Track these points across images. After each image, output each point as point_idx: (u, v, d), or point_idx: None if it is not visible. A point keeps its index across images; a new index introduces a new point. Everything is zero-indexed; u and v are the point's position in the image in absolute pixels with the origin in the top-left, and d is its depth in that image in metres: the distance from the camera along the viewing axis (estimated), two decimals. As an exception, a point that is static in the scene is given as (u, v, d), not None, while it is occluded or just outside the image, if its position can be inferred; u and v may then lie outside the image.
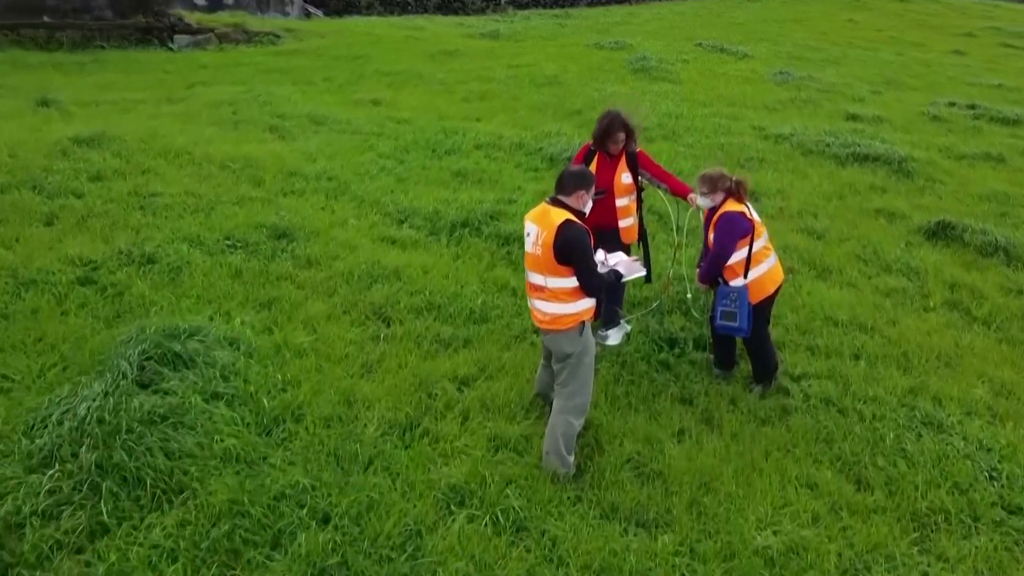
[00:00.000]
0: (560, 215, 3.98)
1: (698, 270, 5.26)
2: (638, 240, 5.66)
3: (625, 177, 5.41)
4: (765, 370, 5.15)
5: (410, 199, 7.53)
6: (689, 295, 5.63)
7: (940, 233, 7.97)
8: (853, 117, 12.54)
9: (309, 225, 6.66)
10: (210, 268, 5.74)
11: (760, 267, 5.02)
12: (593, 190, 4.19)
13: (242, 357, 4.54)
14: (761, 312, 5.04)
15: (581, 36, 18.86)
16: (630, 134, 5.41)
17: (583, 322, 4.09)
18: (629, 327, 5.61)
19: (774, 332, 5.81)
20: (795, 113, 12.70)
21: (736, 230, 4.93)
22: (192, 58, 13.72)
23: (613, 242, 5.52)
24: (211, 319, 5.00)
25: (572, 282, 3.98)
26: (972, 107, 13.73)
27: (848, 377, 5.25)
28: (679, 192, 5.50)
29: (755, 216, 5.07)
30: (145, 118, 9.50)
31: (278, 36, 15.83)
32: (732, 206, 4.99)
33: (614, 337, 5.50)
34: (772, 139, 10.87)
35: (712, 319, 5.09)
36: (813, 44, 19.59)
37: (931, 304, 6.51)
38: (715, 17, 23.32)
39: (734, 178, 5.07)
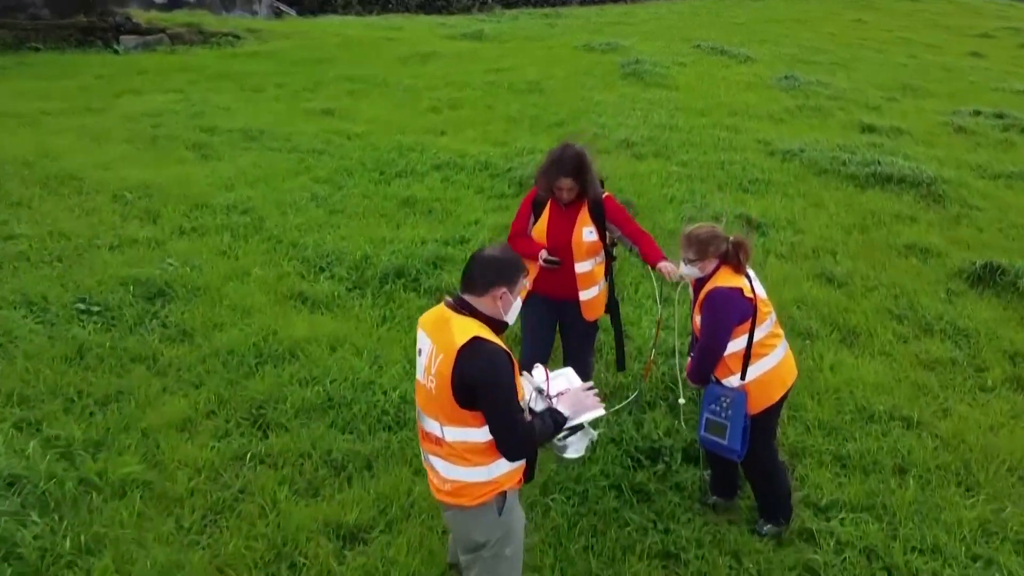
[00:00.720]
0: (465, 329, 2.50)
1: (689, 360, 3.80)
2: (606, 312, 4.20)
3: (588, 233, 3.95)
4: (776, 503, 3.68)
5: (338, 239, 6.07)
6: (681, 399, 4.12)
7: (987, 278, 6.50)
8: (869, 128, 11.05)
9: (197, 279, 5.20)
10: (41, 348, 4.29)
11: (764, 362, 3.56)
12: (521, 281, 2.73)
13: (19, 507, 3.09)
14: (764, 424, 3.58)
15: (571, 37, 17.38)
16: (585, 176, 3.88)
17: (504, 494, 2.63)
18: (595, 433, 4.15)
19: (790, 431, 4.35)
20: (804, 124, 11.22)
21: (731, 312, 3.48)
22: (134, 62, 12.26)
23: (572, 319, 4.07)
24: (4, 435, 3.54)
25: (483, 434, 2.53)
26: (1000, 116, 12.24)
27: (895, 508, 3.79)
28: (651, 259, 4.03)
29: (758, 290, 3.61)
30: (46, 133, 8.05)
31: (238, 37, 14.37)
32: (726, 279, 3.53)
33: (575, 447, 4.04)
34: (779, 156, 9.39)
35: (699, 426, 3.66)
36: (820, 45, 18.10)
37: (989, 382, 5.04)
38: (715, 17, 21.83)
39: (731, 239, 3.61)
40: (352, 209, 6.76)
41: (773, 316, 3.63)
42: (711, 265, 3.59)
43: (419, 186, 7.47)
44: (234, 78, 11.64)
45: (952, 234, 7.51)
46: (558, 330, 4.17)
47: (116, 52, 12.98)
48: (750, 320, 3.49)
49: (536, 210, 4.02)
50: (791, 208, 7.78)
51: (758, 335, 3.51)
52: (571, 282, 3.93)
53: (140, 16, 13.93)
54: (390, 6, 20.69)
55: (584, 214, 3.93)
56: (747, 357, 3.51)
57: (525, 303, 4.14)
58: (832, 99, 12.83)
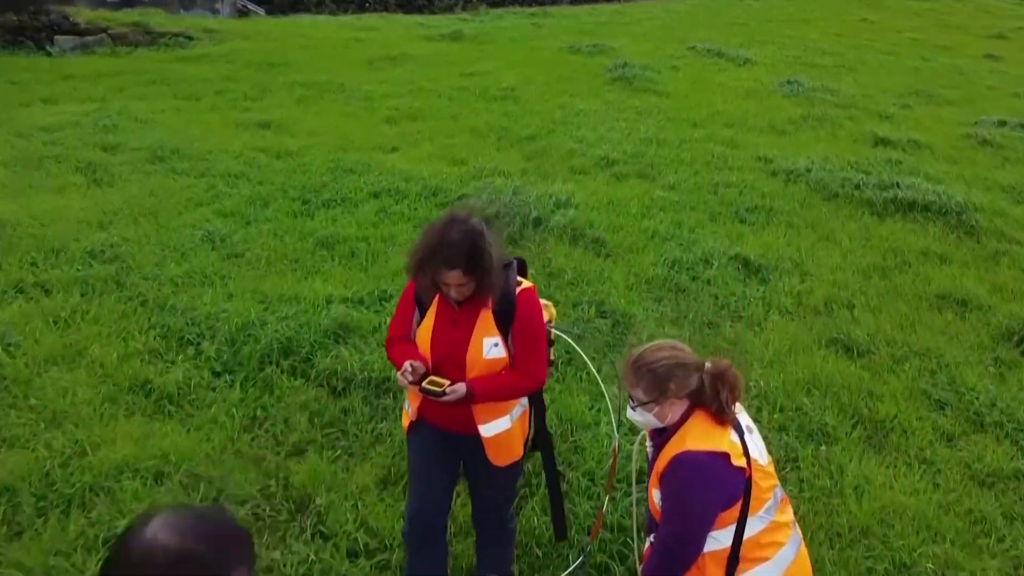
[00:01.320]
0: None
1: (646, 553, 2.42)
2: (529, 452, 2.83)
3: (491, 347, 2.56)
4: None
5: (222, 298, 4.71)
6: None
7: (1044, 343, 5.15)
8: (883, 141, 9.68)
9: (5, 366, 3.85)
10: None
11: (762, 572, 2.19)
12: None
13: None
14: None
15: (557, 38, 16.01)
16: (481, 267, 2.44)
17: None
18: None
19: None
20: (810, 136, 9.85)
21: (709, 490, 2.12)
22: (62, 65, 10.92)
23: (475, 465, 2.72)
24: None
25: None
26: (1028, 127, 10.89)
27: None
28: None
29: (754, 451, 2.23)
30: (-90, 154, 6.71)
31: (190, 38, 13.02)
32: (701, 435, 2.17)
33: None
34: (782, 176, 8.02)
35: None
36: (825, 47, 16.71)
37: (1070, 511, 3.69)
38: (712, 16, 20.43)
39: (707, 368, 2.26)
40: (254, 253, 5.40)
41: (778, 493, 2.26)
42: (677, 409, 2.24)
43: (347, 220, 6.11)
44: (171, 84, 10.28)
45: (992, 278, 6.13)
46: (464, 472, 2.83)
47: (48, 54, 11.63)
48: (740, 502, 2.14)
49: (421, 304, 2.66)
50: (797, 244, 6.41)
51: (753, 528, 2.15)
52: (467, 411, 2.57)
53: (82, 15, 12.57)
54: (367, 5, 19.32)
55: (486, 319, 2.56)
56: (734, 558, 2.16)
57: (410, 435, 2.82)
58: (840, 107, 11.46)
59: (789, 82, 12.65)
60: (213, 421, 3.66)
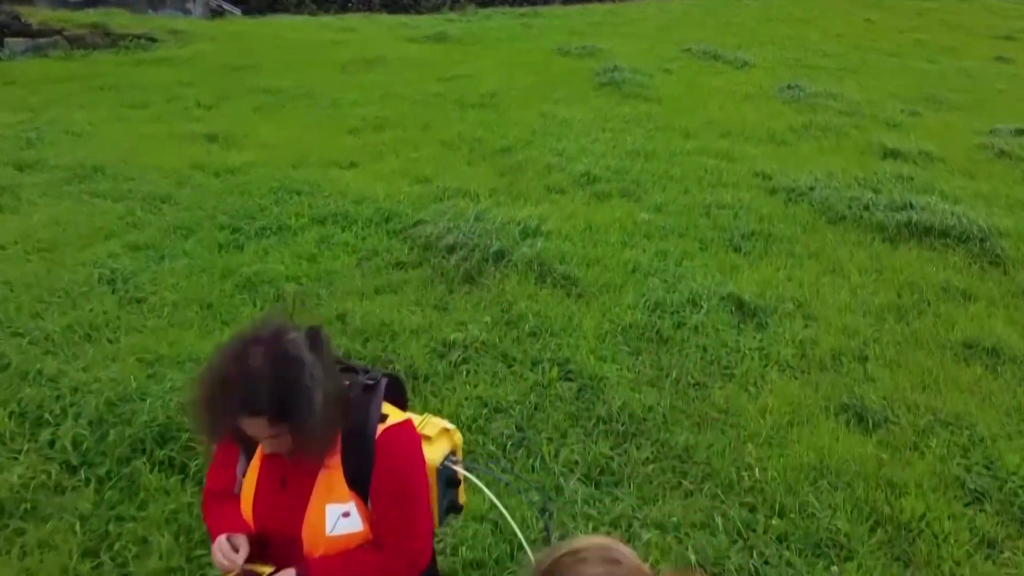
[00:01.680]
0: None
1: None
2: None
3: (340, 520, 1.69)
4: None
5: (103, 360, 3.85)
6: None
7: (1095, 407, 4.28)
8: (892, 153, 8.80)
9: None
10: None
11: None
12: None
13: None
14: None
15: (546, 39, 15.14)
16: (299, 408, 1.56)
17: None
18: None
19: None
20: (813, 147, 8.97)
21: None
22: (6, 70, 10.04)
23: None
24: None
25: None
26: (1047, 136, 10.01)
27: None
28: None
29: None
30: None
31: (154, 40, 12.15)
32: None
33: None
34: (782, 195, 7.16)
35: None
36: (826, 48, 15.82)
37: None
38: (709, 16, 19.53)
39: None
40: (160, 297, 4.54)
41: None
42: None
43: (280, 252, 5.25)
44: (120, 90, 9.42)
45: (1025, 319, 5.27)
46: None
47: (-3, 58, 10.78)
48: None
49: (247, 445, 1.79)
50: (799, 278, 5.54)
51: None
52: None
53: (37, 15, 11.70)
54: (350, 5, 18.44)
55: (329, 478, 1.69)
56: None
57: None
58: (845, 114, 10.58)
59: (789, 86, 11.78)
60: (47, 543, 2.80)
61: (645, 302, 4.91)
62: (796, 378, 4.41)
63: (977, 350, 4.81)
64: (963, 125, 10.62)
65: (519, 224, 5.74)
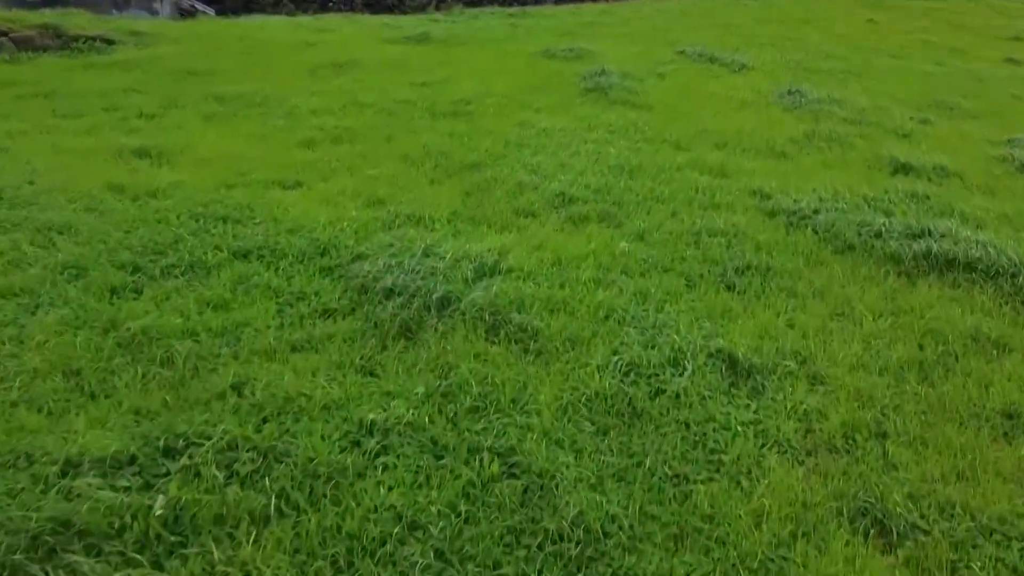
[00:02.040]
0: None
1: None
2: None
3: None
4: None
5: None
6: None
7: None
8: (903, 168, 7.92)
9: None
10: None
11: None
12: None
13: None
14: None
15: (533, 41, 14.26)
16: None
17: None
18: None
19: None
20: (816, 160, 8.09)
21: None
22: (-63, 76, 9.19)
23: None
24: None
25: None
26: (1070, 147, 9.13)
27: None
28: None
29: None
30: None
31: (111, 42, 11.28)
32: None
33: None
34: (783, 219, 6.28)
35: None
36: (829, 50, 14.92)
37: None
38: (706, 16, 18.63)
39: None
40: (16, 365, 3.66)
41: None
42: None
43: (185, 299, 4.38)
44: (57, 98, 8.54)
45: (1073, 379, 4.39)
46: None
47: (-66, 62, 9.91)
48: None
49: None
50: (803, 325, 4.66)
51: None
52: None
53: (-16, 16, 10.83)
54: (331, 5, 17.56)
55: None
56: None
57: None
58: (850, 122, 9.71)
59: (790, 92, 10.91)
60: None
61: (617, 362, 4.03)
62: (800, 463, 3.54)
63: (1020, 421, 3.93)
64: (977, 134, 9.74)
65: (475, 260, 4.86)
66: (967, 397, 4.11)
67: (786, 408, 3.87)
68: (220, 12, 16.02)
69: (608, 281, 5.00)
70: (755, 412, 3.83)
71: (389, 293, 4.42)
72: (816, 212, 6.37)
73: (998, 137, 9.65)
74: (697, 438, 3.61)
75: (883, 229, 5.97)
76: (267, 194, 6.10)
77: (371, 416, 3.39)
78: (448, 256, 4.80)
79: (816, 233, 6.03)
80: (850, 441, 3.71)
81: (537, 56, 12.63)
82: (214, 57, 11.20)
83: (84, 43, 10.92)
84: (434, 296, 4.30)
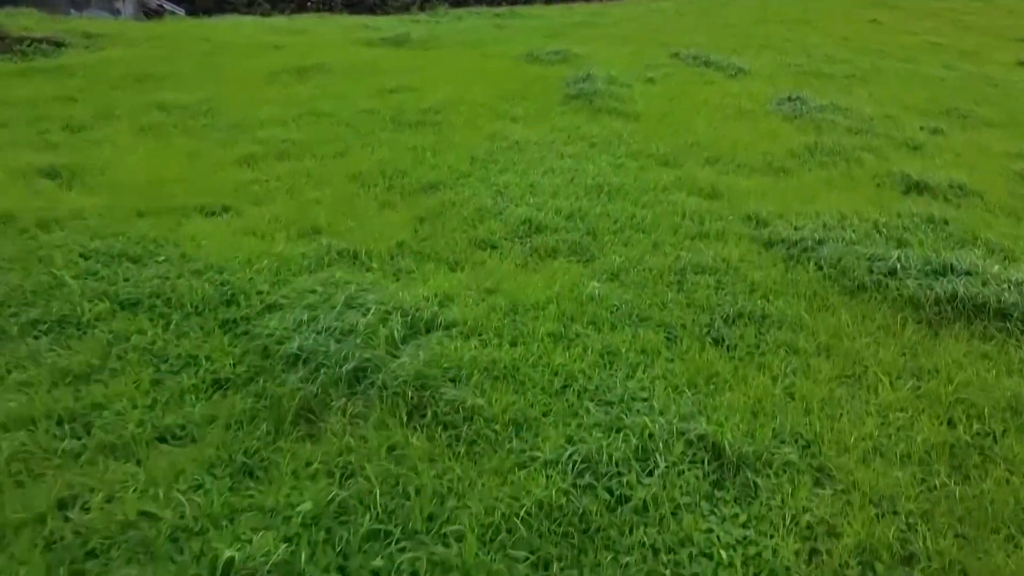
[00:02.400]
0: None
1: None
2: None
3: None
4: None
5: None
6: None
7: None
8: (917, 187, 7.05)
9: None
10: None
11: None
12: None
13: None
14: None
15: (518, 43, 13.40)
16: None
17: None
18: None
19: None
20: (819, 178, 7.22)
21: None
22: None
23: None
24: None
25: None
26: (1099, 161, 8.26)
27: None
28: None
29: None
30: None
31: (61, 44, 10.44)
32: None
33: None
34: (781, 251, 5.41)
35: None
36: (831, 52, 14.05)
37: None
38: (702, 16, 17.76)
39: None
40: None
41: None
42: None
43: (37, 370, 3.51)
44: (-22, 108, 7.70)
45: None
46: None
47: None
48: None
49: None
50: (806, 397, 3.79)
51: None
52: None
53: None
54: (309, 5, 16.70)
55: None
56: None
57: None
58: (855, 132, 8.84)
59: (790, 98, 10.04)
60: None
61: (571, 456, 3.17)
62: (800, 607, 2.67)
63: (1082, 536, 3.07)
64: (996, 146, 8.87)
65: (409, 312, 4.00)
66: (1013, 498, 3.23)
67: (785, 520, 3.01)
68: (191, 12, 15.18)
69: (571, 336, 4.13)
70: (744, 526, 2.97)
71: (294, 360, 3.56)
72: (820, 243, 5.49)
73: (1017, 148, 8.78)
74: (663, 568, 2.74)
75: (898, 265, 5.10)
76: (183, 224, 5.24)
77: (229, 553, 2.52)
78: (375, 308, 3.93)
79: (820, 269, 5.16)
80: (866, 569, 2.84)
81: (520, 59, 11.77)
82: (169, 61, 10.34)
83: (29, 46, 10.07)
84: (345, 367, 3.43)
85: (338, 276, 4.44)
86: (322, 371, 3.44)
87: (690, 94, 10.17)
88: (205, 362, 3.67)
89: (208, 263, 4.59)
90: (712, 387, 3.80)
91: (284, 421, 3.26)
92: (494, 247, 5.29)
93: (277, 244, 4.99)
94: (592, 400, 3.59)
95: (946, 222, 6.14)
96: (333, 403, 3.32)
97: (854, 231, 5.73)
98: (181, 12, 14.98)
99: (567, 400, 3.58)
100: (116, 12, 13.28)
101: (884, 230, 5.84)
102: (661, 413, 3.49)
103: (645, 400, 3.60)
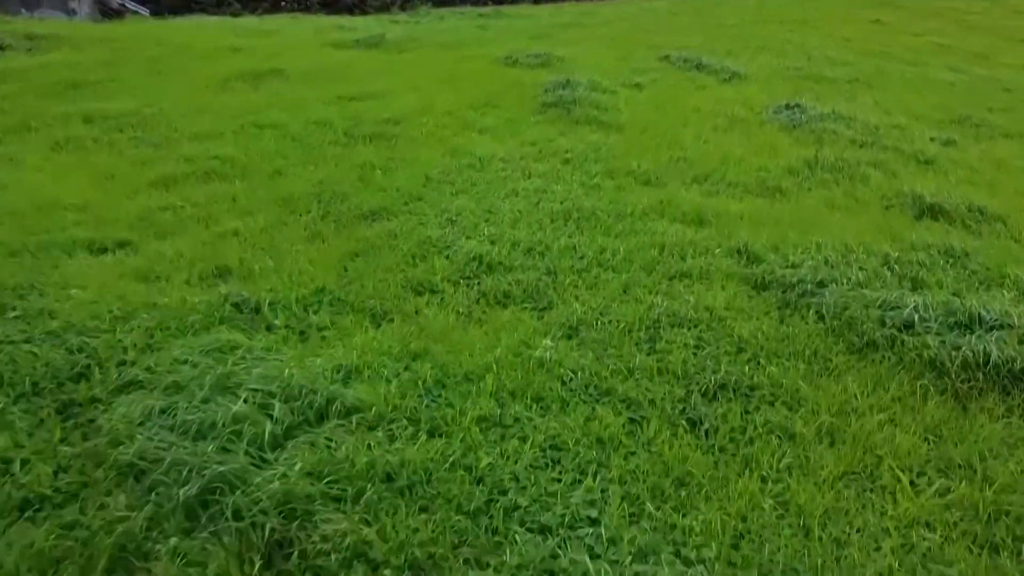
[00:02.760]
0: None
1: None
2: None
3: None
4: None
5: None
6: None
7: None
8: (931, 211, 6.16)
9: None
10: None
11: None
12: None
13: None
14: None
15: (499, 45, 12.51)
16: None
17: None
18: None
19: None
20: (820, 200, 6.34)
21: None
22: None
23: None
24: None
25: None
26: None
27: None
28: None
29: None
30: None
31: (0, 48, 9.53)
32: None
33: None
34: (776, 295, 4.52)
35: None
36: (832, 55, 13.15)
37: None
38: (696, 16, 16.86)
39: None
40: None
41: None
42: None
43: None
44: None
45: None
46: None
47: None
48: None
49: None
50: (805, 509, 2.90)
51: None
52: None
53: None
54: (284, 4, 15.81)
55: None
56: None
57: None
58: (860, 145, 7.95)
59: (788, 106, 9.15)
60: None
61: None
62: None
63: None
64: (1016, 161, 7.98)
65: (300, 395, 3.12)
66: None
67: None
68: (156, 12, 14.30)
69: (507, 423, 3.25)
70: None
71: (127, 472, 2.67)
72: (821, 285, 4.61)
73: (1039, 163, 7.89)
74: None
75: (915, 315, 4.21)
76: (61, 265, 4.36)
77: None
78: (252, 392, 3.05)
79: (822, 321, 4.28)
80: None
81: (498, 63, 10.88)
82: (115, 66, 9.47)
83: (-39, 49, 9.21)
84: (187, 489, 2.55)
85: (226, 339, 3.56)
86: (158, 491, 2.56)
87: (679, 101, 9.28)
88: (21, 470, 2.79)
89: (69, 321, 3.71)
90: (683, 496, 2.92)
91: (95, 569, 2.38)
92: (433, 292, 4.41)
93: (169, 291, 4.11)
94: (523, 523, 2.71)
95: (966, 254, 5.26)
96: (163, 543, 2.44)
97: (861, 269, 4.84)
98: (145, 12, 14.12)
99: (490, 523, 2.70)
100: (71, 12, 12.42)
101: (896, 267, 4.96)
102: (612, 543, 2.62)
103: (593, 522, 2.72)
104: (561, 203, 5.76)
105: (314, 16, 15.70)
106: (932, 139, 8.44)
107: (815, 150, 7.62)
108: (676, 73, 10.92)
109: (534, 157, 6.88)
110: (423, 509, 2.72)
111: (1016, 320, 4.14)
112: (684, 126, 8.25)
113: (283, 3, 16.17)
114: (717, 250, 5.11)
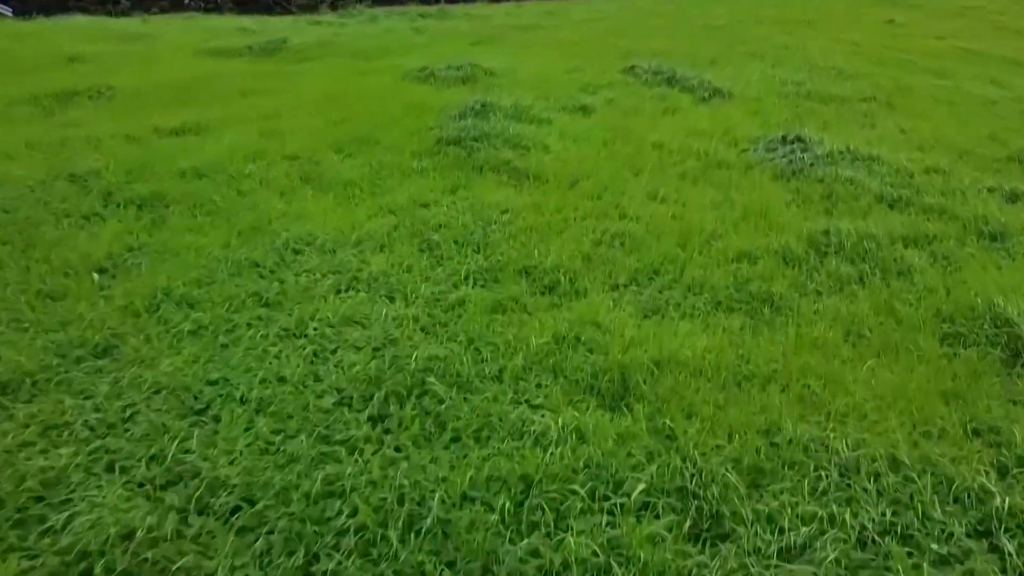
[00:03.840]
0: None
1: None
2: None
3: None
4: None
5: None
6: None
7: None
8: (1012, 352, 3.50)
9: None
10: None
11: None
12: None
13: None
14: None
15: (426, 53, 9.87)
16: None
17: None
18: None
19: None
20: (832, 307, 3.68)
21: None
22: None
23: None
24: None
25: None
26: None
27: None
28: None
29: None
30: None
31: None
32: None
33: None
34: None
35: None
36: (840, 64, 10.46)
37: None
38: (681, 16, 14.17)
39: None
40: None
41: None
42: None
43: None
44: None
45: None
46: None
47: None
48: None
49: None
50: None
51: None
52: None
53: None
54: (188, 3, 13.20)
55: None
56: None
57: None
58: (890, 204, 5.32)
59: (785, 139, 6.53)
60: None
61: None
62: None
63: None
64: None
65: None
66: None
67: None
68: (22, 12, 11.75)
69: None
70: None
71: None
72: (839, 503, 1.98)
73: None
74: None
75: None
76: None
77: None
78: None
79: None
80: None
81: (408, 77, 8.25)
82: None
83: None
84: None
85: None
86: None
87: (636, 133, 6.64)
88: None
89: None
90: None
91: None
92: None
93: None
94: None
95: None
96: None
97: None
98: (8, 11, 11.60)
99: None
100: None
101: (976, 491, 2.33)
102: None
103: None
104: (408, 347, 3.13)
105: (220, 17, 13.10)
106: (990, 190, 5.79)
107: (820, 206, 5.01)
108: (640, 90, 8.28)
109: (380, 241, 4.25)
110: None
111: None
112: (636, 174, 5.63)
113: (187, 1, 13.58)
114: (640, 486, 2.47)
